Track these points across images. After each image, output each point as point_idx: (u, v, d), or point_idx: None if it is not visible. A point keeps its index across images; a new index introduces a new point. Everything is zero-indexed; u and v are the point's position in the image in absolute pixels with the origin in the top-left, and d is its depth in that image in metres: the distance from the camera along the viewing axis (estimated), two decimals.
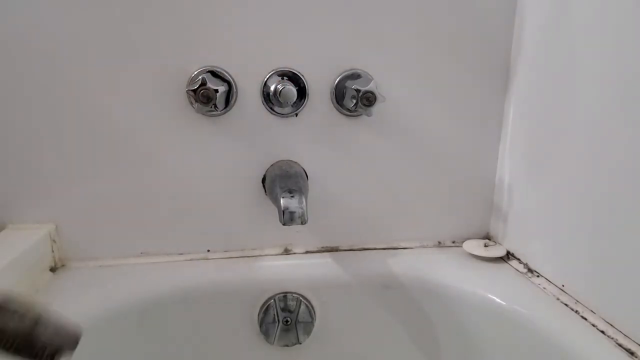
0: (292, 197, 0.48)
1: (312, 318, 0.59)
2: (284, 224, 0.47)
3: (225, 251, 0.63)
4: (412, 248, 0.66)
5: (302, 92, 0.57)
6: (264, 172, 0.60)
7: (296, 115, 0.59)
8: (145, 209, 0.59)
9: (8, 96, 0.53)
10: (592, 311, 0.48)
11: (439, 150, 0.63)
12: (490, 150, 0.64)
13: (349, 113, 0.59)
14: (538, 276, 0.57)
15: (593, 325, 0.47)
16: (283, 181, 0.52)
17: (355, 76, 0.57)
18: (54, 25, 0.52)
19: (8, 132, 0.54)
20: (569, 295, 0.52)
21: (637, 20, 0.41)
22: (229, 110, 0.57)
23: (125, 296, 0.54)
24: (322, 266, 0.61)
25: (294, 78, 0.57)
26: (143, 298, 0.55)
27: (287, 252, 0.63)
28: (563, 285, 0.53)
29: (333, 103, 0.59)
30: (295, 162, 0.60)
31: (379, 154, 0.62)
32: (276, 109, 0.58)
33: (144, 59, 0.54)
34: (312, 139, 0.60)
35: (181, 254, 0.62)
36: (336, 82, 0.58)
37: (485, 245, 0.63)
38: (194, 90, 0.51)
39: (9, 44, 0.51)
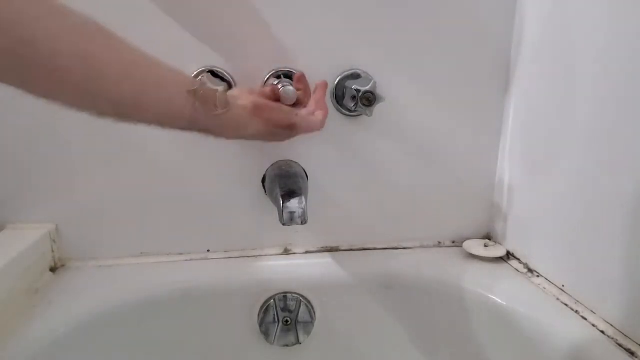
0: (292, 197, 0.48)
1: (312, 318, 0.59)
2: (284, 224, 0.47)
3: (225, 251, 0.62)
4: (412, 248, 0.66)
5: None
6: (264, 172, 0.60)
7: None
8: (145, 208, 0.59)
9: (7, 96, 0.53)
10: (592, 311, 0.48)
11: (439, 150, 0.63)
12: (490, 150, 0.64)
13: (349, 113, 0.59)
14: (538, 276, 0.57)
15: (593, 325, 0.47)
16: (283, 181, 0.52)
17: (355, 76, 0.57)
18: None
19: (8, 132, 0.54)
20: (569, 295, 0.52)
21: (637, 19, 0.41)
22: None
23: (125, 296, 0.54)
24: (322, 266, 0.61)
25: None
26: (143, 298, 0.55)
27: (287, 252, 0.63)
28: (563, 285, 0.53)
29: (333, 103, 0.59)
30: (295, 162, 0.60)
31: (379, 154, 0.62)
32: None
33: None
34: (312, 139, 0.60)
35: (181, 254, 0.62)
36: (336, 82, 0.58)
37: (485, 245, 0.63)
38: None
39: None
